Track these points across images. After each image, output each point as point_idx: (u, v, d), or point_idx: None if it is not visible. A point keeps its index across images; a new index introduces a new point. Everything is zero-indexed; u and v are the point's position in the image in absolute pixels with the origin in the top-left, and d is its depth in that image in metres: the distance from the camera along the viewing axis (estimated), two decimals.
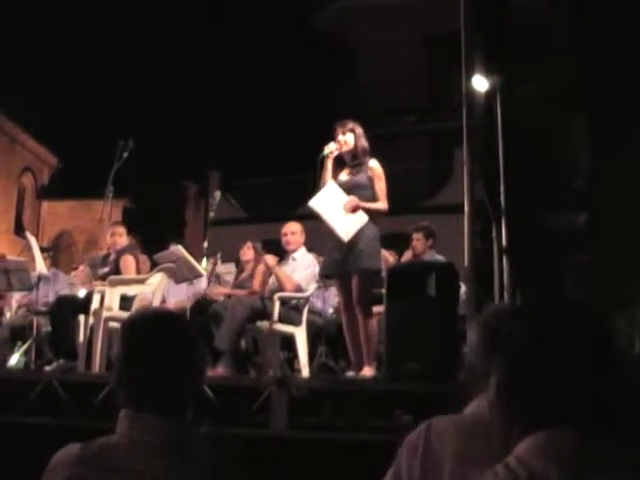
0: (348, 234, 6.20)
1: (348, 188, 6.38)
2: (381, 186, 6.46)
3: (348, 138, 6.50)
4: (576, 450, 1.35)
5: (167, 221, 25.22)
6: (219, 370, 6.60)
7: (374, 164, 6.51)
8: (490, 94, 7.65)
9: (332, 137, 6.54)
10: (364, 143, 6.57)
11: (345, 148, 6.50)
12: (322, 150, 6.49)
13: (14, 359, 8.76)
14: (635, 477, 1.36)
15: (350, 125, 6.55)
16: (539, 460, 1.34)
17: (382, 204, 6.42)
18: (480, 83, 6.85)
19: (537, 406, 1.42)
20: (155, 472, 1.77)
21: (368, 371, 6.34)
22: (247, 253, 8.39)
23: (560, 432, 1.37)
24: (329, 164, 6.48)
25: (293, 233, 7.49)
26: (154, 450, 1.82)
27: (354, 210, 6.26)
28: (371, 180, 6.44)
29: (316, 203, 6.32)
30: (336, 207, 6.27)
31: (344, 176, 6.53)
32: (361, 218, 6.27)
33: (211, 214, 9.00)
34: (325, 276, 7.01)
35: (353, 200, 6.27)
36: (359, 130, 6.58)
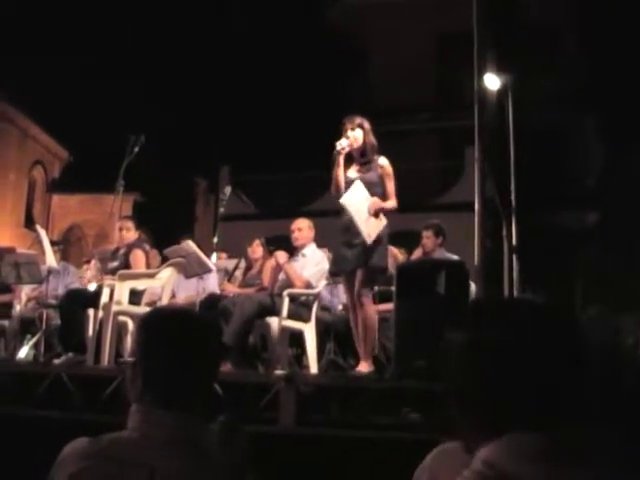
0: (371, 236, 6.20)
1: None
2: (391, 184, 6.45)
3: (357, 134, 6.47)
4: (544, 450, 1.32)
5: (177, 216, 25.23)
6: (227, 366, 6.60)
7: (384, 162, 6.49)
8: (502, 92, 7.63)
9: (341, 133, 6.52)
10: (372, 139, 6.55)
11: (354, 144, 6.48)
12: (334, 146, 6.47)
13: (23, 352, 8.79)
14: (604, 476, 1.35)
15: (358, 120, 6.52)
16: (508, 461, 1.31)
17: (392, 202, 6.43)
18: (492, 81, 6.83)
19: (498, 410, 1.39)
20: (166, 467, 1.77)
21: (364, 367, 6.33)
22: (256, 251, 8.38)
23: (526, 434, 1.34)
24: (341, 160, 6.47)
25: (300, 229, 7.48)
26: (166, 445, 1.82)
27: (377, 213, 6.27)
28: (381, 178, 6.42)
29: (347, 201, 6.29)
30: (362, 208, 6.26)
31: (353, 173, 6.50)
32: (382, 221, 6.30)
33: (221, 209, 8.99)
34: (333, 274, 7.01)
35: (377, 203, 6.27)
36: (367, 126, 6.55)
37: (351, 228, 6.27)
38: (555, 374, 1.37)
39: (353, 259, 6.31)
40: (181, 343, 1.97)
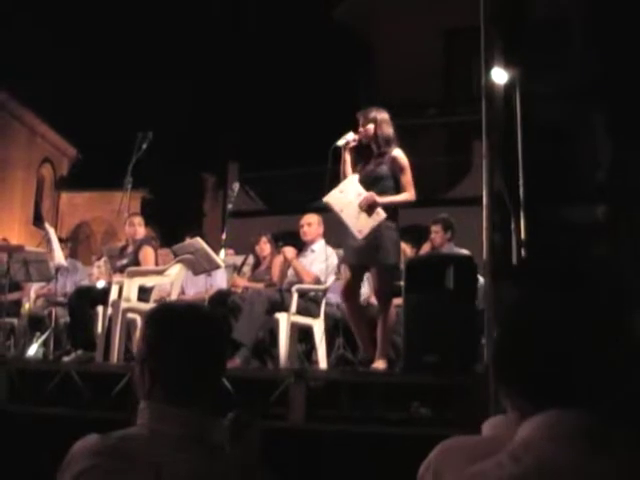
0: (362, 232, 6.10)
1: (370, 181, 6.32)
2: (405, 176, 6.32)
3: (369, 127, 6.43)
4: (586, 431, 1.25)
5: (185, 212, 25.26)
6: (237, 362, 6.60)
7: (397, 153, 6.36)
8: (509, 87, 7.60)
9: (352, 128, 6.49)
10: (386, 131, 6.42)
11: (365, 138, 6.44)
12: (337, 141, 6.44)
13: (33, 349, 8.81)
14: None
15: (372, 114, 6.41)
16: (546, 443, 1.24)
17: (406, 195, 6.30)
18: (499, 76, 6.80)
19: (540, 382, 1.32)
20: (175, 464, 1.77)
21: (381, 364, 6.32)
22: (264, 248, 8.34)
23: (568, 411, 1.27)
24: (347, 156, 6.42)
25: (309, 224, 7.47)
26: (175, 442, 1.82)
27: (371, 207, 6.15)
28: (393, 171, 6.33)
29: (331, 199, 6.24)
30: (353, 203, 6.17)
31: (371, 167, 6.44)
32: (378, 216, 6.13)
33: (229, 206, 8.99)
34: (343, 262, 6.94)
35: (370, 197, 6.15)
36: (381, 117, 6.43)
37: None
38: (608, 348, 1.30)
39: (360, 251, 6.27)
40: (188, 339, 1.96)
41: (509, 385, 1.38)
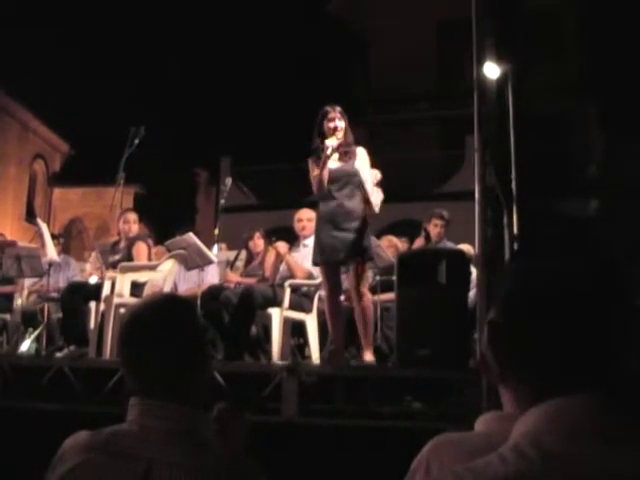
0: (378, 206, 6.24)
1: (339, 176, 6.35)
2: (370, 173, 6.46)
3: (343, 124, 6.46)
4: (595, 422, 1.11)
5: (178, 208, 25.26)
6: (230, 357, 6.61)
7: (362, 151, 6.49)
8: (501, 81, 7.61)
9: (319, 120, 6.48)
10: (351, 130, 6.56)
11: (340, 134, 6.43)
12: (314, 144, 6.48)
13: (25, 345, 8.79)
14: None
15: (340, 109, 6.51)
16: (552, 436, 1.11)
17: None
18: (491, 70, 6.81)
19: (542, 366, 1.19)
20: (166, 459, 1.77)
21: (368, 355, 6.34)
22: (258, 244, 8.33)
23: (574, 399, 1.13)
24: (328, 162, 6.40)
25: (309, 220, 7.43)
26: (165, 437, 1.82)
27: (378, 184, 6.37)
28: (360, 167, 6.40)
29: (361, 169, 6.35)
30: (368, 176, 6.33)
31: (334, 163, 6.42)
32: (379, 194, 6.35)
33: (222, 201, 8.98)
34: (316, 264, 6.82)
35: (378, 174, 6.37)
36: (345, 117, 6.53)
37: (337, 215, 6.26)
38: (615, 327, 1.17)
39: (343, 248, 6.25)
40: (170, 331, 1.95)
41: (509, 370, 1.25)
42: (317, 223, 6.52)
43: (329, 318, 6.59)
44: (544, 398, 1.16)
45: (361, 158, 6.42)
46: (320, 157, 6.34)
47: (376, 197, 6.31)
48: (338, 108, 6.49)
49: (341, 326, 6.60)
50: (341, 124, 6.43)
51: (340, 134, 6.41)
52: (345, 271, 6.72)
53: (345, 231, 6.22)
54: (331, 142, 6.31)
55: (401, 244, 8.59)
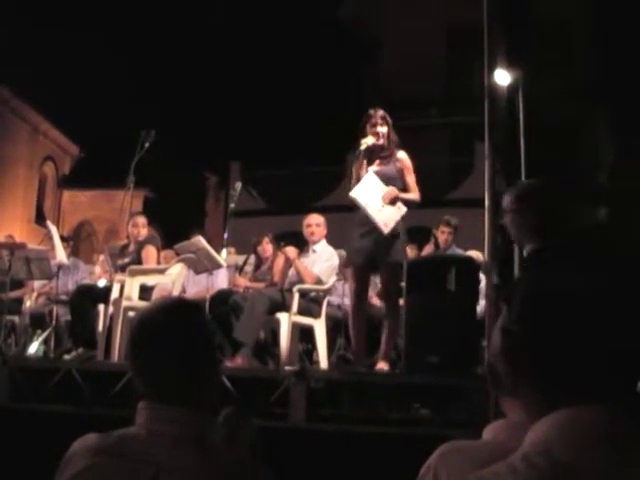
0: (387, 225, 6.22)
1: (382, 181, 6.36)
2: (411, 177, 6.49)
3: (385, 130, 6.48)
4: (607, 432, 1.10)
5: (187, 212, 25.26)
6: (238, 361, 6.60)
7: (403, 155, 6.51)
8: (512, 88, 7.60)
9: (362, 124, 6.50)
10: (393, 134, 6.56)
11: (380, 141, 6.47)
12: (353, 143, 6.49)
13: (34, 347, 8.81)
14: None
15: (382, 113, 6.52)
16: (563, 446, 1.10)
17: (414, 195, 6.46)
18: (502, 77, 6.80)
19: (559, 375, 1.18)
20: (174, 463, 1.77)
21: (384, 365, 6.34)
22: (267, 249, 8.34)
23: (586, 409, 1.13)
24: (363, 159, 6.45)
25: (318, 225, 7.45)
26: (173, 441, 1.82)
27: (393, 201, 6.27)
28: (400, 172, 6.45)
29: (357, 194, 6.29)
30: (375, 198, 6.27)
31: (374, 167, 6.49)
32: (400, 210, 6.32)
33: (231, 205, 8.97)
34: (345, 266, 6.95)
35: (392, 191, 6.29)
36: (389, 120, 6.55)
37: (368, 221, 6.28)
38: (627, 335, 1.16)
39: (367, 251, 6.33)
40: (180, 335, 1.95)
41: (523, 379, 1.24)
42: (354, 226, 6.54)
43: (352, 323, 6.59)
44: (556, 407, 1.15)
45: (402, 164, 6.48)
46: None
47: (384, 216, 6.28)
48: (380, 113, 6.52)
49: (364, 333, 6.59)
50: (383, 129, 6.46)
51: (382, 140, 6.45)
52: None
53: (374, 233, 6.28)
54: (366, 141, 6.39)
55: (410, 251, 8.59)
